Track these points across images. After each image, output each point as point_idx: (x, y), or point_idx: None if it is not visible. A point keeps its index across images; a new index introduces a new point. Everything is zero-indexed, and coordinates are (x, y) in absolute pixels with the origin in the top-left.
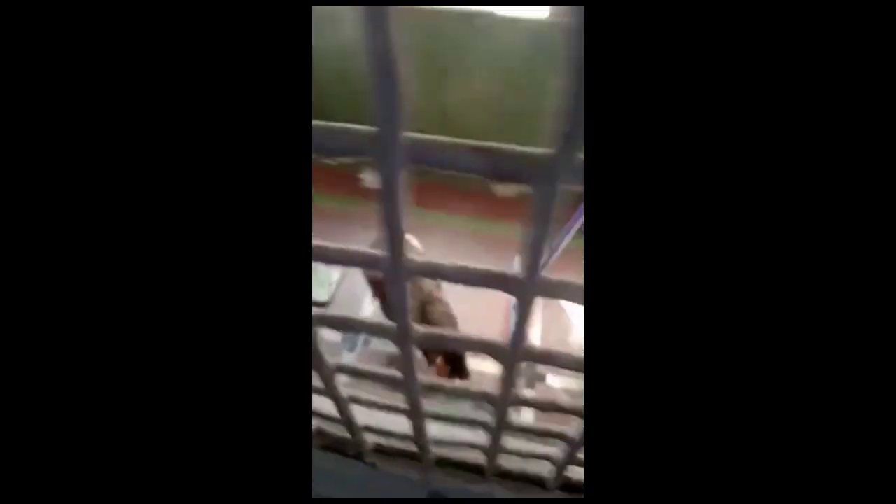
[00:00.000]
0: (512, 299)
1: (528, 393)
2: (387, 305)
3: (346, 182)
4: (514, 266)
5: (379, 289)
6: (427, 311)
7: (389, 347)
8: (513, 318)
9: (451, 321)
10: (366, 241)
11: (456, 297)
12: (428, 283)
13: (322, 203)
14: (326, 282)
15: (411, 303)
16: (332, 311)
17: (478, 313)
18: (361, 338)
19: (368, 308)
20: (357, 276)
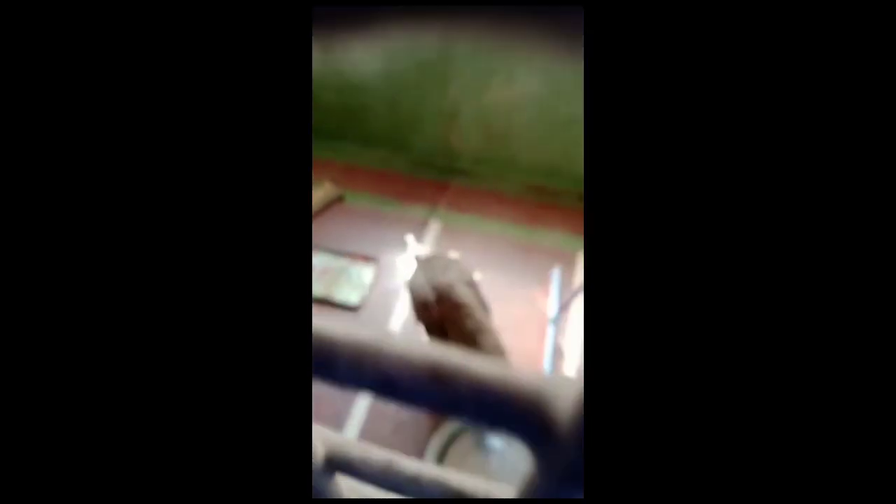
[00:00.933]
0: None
1: None
2: (431, 329)
3: (383, 182)
4: (554, 278)
5: (423, 312)
6: (479, 340)
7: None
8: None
9: (500, 353)
10: (397, 242)
11: (504, 329)
12: (479, 311)
13: (357, 203)
14: (359, 285)
15: (461, 334)
16: (364, 316)
17: (519, 345)
18: None
19: (399, 319)
20: (389, 283)
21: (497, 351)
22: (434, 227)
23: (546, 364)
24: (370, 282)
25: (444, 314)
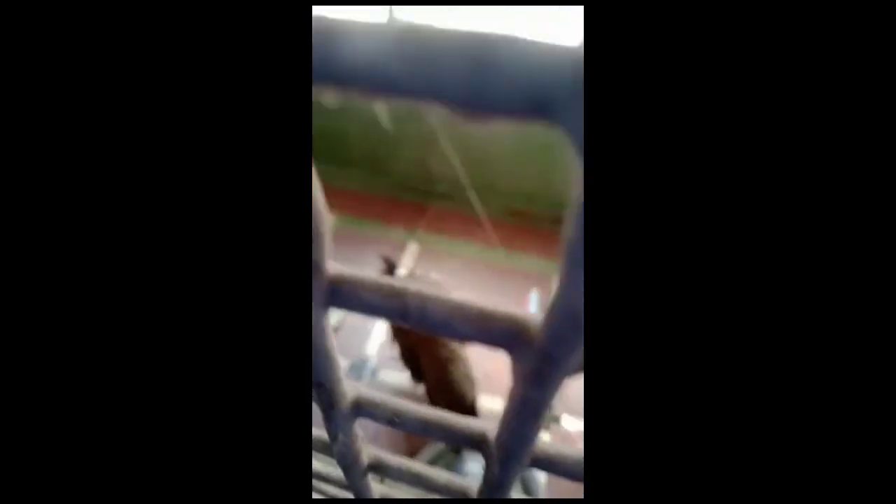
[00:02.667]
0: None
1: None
2: (404, 353)
3: (362, 204)
4: (532, 301)
5: (398, 335)
6: (449, 370)
7: (397, 379)
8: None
9: (470, 383)
10: (376, 263)
11: (482, 354)
12: (453, 341)
13: (337, 224)
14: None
15: (433, 361)
16: (340, 337)
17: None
18: (369, 367)
19: (375, 341)
20: None
21: (468, 381)
22: (413, 249)
23: None
24: None
25: (418, 339)
